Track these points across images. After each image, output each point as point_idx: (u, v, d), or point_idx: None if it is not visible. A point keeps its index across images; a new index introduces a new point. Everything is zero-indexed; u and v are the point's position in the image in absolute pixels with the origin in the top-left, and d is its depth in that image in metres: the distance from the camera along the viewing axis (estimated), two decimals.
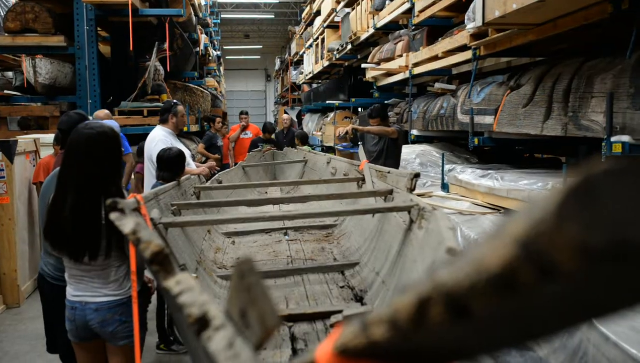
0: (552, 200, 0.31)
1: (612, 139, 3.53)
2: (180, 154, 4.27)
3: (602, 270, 0.31)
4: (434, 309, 0.41)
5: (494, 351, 0.48)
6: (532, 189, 4.17)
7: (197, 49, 12.54)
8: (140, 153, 6.43)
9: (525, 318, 0.39)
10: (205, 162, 7.47)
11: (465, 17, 5.07)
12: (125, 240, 2.42)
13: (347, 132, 5.91)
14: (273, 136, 10.37)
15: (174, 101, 5.63)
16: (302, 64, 19.35)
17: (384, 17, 8.59)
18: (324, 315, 2.92)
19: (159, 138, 4.93)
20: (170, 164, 4.19)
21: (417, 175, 3.46)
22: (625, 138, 3.48)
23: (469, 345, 0.47)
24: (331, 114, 13.07)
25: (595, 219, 0.30)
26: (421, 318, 0.42)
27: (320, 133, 13.84)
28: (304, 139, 10.26)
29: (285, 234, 4.93)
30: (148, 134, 5.26)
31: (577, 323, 0.41)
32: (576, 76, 4.04)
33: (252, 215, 3.77)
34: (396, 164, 6.10)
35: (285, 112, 18.26)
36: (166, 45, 9.27)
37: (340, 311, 2.91)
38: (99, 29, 8.93)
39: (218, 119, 9.88)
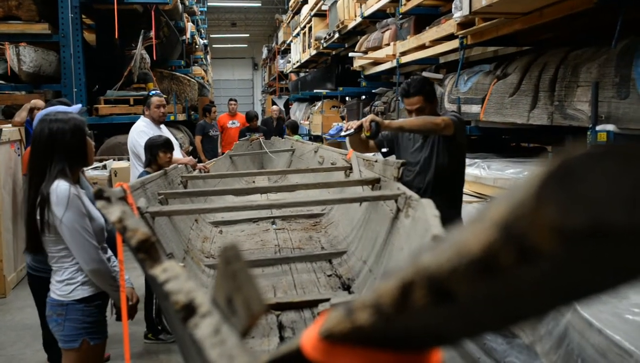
0: (531, 183, 0.31)
1: (597, 128, 3.56)
2: (168, 141, 4.28)
3: (581, 251, 0.32)
4: (417, 293, 0.41)
5: (477, 335, 0.49)
6: (518, 178, 4.20)
7: (184, 37, 12.45)
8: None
9: (507, 301, 0.40)
10: (192, 154, 7.46)
11: (452, 6, 5.07)
12: (73, 240, 2.42)
13: (360, 128, 3.33)
14: (258, 123, 10.37)
15: (151, 91, 5.64)
16: (290, 52, 19.27)
17: (372, 6, 8.57)
18: (312, 304, 2.93)
19: (140, 129, 4.95)
20: (158, 148, 4.21)
21: (404, 164, 3.47)
22: (610, 127, 3.51)
23: (453, 329, 0.47)
24: (319, 103, 13.05)
25: (574, 201, 0.30)
26: (404, 302, 0.43)
27: (308, 122, 13.82)
28: (294, 129, 10.28)
29: (273, 223, 4.93)
30: (134, 123, 5.25)
31: (559, 306, 0.41)
32: (562, 66, 4.06)
33: (240, 204, 3.76)
34: (459, 183, 3.71)
35: (274, 103, 18.21)
36: (152, 33, 9.20)
37: (327, 300, 2.92)
38: (83, 16, 8.84)
39: (214, 109, 9.88)
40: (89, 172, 6.28)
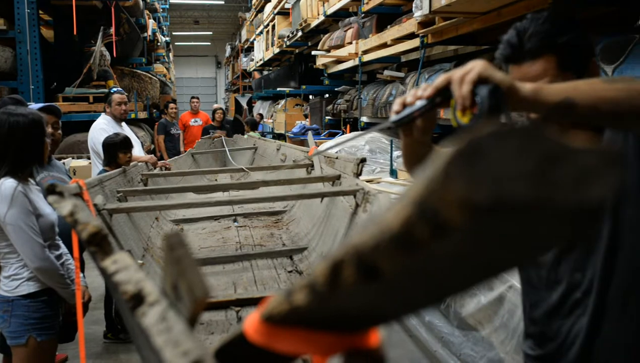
0: (441, 161, 0.33)
1: None
2: (125, 140, 4.23)
3: (489, 225, 0.34)
4: (346, 271, 0.43)
5: (408, 313, 0.51)
6: None
7: (145, 34, 12.28)
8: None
9: (429, 276, 0.42)
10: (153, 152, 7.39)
11: (413, 5, 5.13)
12: (18, 238, 2.38)
13: (443, 99, 1.09)
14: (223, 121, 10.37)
15: (112, 88, 5.57)
16: (253, 51, 19.20)
17: (334, 4, 8.61)
18: None
19: (100, 127, 4.90)
20: (117, 149, 4.16)
21: (363, 160, 3.51)
22: None
23: (384, 307, 0.49)
24: (282, 102, 13.05)
25: (479, 177, 0.32)
26: (335, 280, 0.44)
27: (271, 121, 13.80)
28: (254, 126, 10.33)
29: (235, 221, 4.92)
30: (94, 121, 5.19)
31: (479, 281, 0.44)
32: None
33: (200, 200, 3.75)
34: None
35: (237, 102, 18.13)
36: (112, 30, 9.06)
37: None
38: (41, 12, 8.64)
39: (172, 105, 9.74)
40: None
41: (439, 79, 1.10)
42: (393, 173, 5.91)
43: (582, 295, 1.35)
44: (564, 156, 0.33)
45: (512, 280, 2.61)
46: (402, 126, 1.14)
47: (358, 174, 3.48)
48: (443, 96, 1.09)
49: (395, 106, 1.16)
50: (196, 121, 10.40)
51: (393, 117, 1.15)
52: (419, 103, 1.12)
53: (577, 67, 1.32)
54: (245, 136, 9.63)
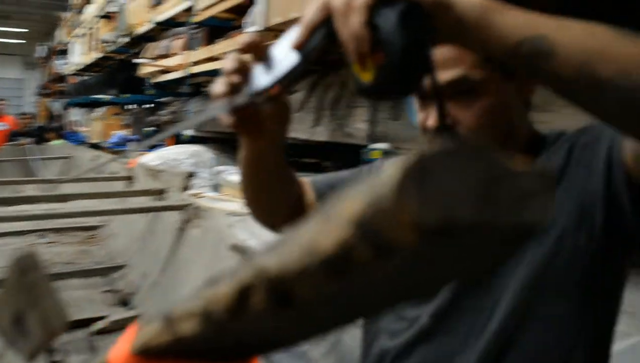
0: (390, 178, 0.31)
1: (372, 146, 3.87)
2: None
3: (433, 247, 0.33)
4: (256, 297, 0.39)
5: (314, 337, 0.48)
6: None
7: None
8: None
9: (353, 299, 0.39)
10: None
11: (246, 21, 5.15)
12: None
13: (325, 44, 0.59)
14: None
15: None
16: (71, 53, 17.99)
17: (164, 13, 8.37)
18: (85, 323, 2.78)
19: None
20: None
21: (191, 174, 3.43)
22: (383, 146, 3.85)
23: (288, 333, 0.46)
24: (100, 110, 12.37)
25: (427, 197, 0.31)
26: (241, 307, 0.40)
27: (87, 129, 13.01)
28: (59, 134, 9.97)
29: (43, 236, 4.54)
30: None
31: (410, 299, 0.43)
32: (345, 87, 4.37)
33: (1, 214, 3.40)
34: None
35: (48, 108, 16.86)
36: None
37: (103, 318, 2.79)
38: None
39: None
40: None
41: (311, 10, 0.61)
42: (216, 188, 5.83)
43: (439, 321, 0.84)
44: (505, 177, 0.33)
45: None
46: (254, 108, 0.68)
47: (185, 188, 3.39)
48: (326, 38, 0.59)
49: (232, 77, 0.69)
50: (2, 126, 9.49)
51: (238, 97, 0.67)
52: (285, 62, 0.62)
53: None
54: (52, 144, 9.07)
